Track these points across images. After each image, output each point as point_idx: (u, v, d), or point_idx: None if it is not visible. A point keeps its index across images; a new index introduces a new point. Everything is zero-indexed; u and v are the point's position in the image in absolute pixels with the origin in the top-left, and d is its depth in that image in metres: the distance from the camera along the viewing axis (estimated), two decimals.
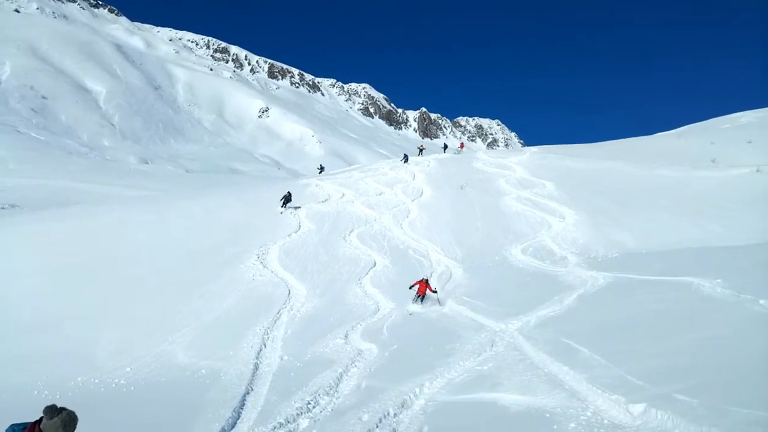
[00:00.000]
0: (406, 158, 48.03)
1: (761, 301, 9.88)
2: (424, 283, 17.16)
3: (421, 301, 16.98)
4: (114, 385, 12.52)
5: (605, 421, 7.11)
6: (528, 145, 71.56)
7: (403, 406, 9.22)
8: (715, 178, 28.94)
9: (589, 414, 7.43)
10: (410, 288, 17.64)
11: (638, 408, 7.00)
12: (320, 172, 55.82)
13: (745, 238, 19.87)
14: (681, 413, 6.42)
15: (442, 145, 60.85)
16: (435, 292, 17.20)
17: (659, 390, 7.26)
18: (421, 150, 53.28)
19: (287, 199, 30.39)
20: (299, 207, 30.84)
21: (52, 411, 4.38)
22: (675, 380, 7.47)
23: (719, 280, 12.08)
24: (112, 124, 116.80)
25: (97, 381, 12.84)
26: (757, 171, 27.93)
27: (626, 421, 6.93)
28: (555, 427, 7.29)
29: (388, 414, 8.96)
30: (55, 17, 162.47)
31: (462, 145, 64.47)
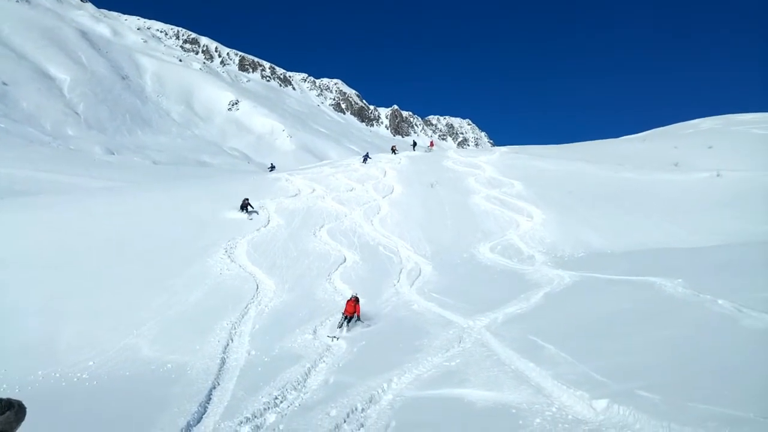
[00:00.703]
0: (366, 158, 47.88)
1: (720, 301, 10.19)
2: (353, 302, 15.26)
3: (348, 323, 14.88)
4: (76, 380, 12.25)
5: (569, 417, 7.26)
6: (497, 145, 72.30)
7: (371, 402, 9.25)
8: (678, 182, 29.73)
9: (554, 409, 7.57)
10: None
11: (601, 404, 7.16)
12: (270, 171, 55.67)
13: (705, 240, 20.49)
14: (642, 409, 6.59)
15: (411, 143, 60.91)
16: (359, 319, 15.10)
17: (622, 386, 7.44)
18: (394, 150, 53.01)
19: (244, 206, 28.63)
20: (256, 212, 29.17)
21: (1, 406, 4.25)
22: (637, 377, 7.66)
23: (680, 280, 12.43)
24: (77, 113, 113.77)
25: (58, 375, 12.55)
26: (718, 175, 28.79)
27: (590, 417, 7.08)
28: (521, 422, 7.41)
29: (356, 409, 8.97)
30: (17, 1, 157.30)
31: (432, 144, 64.70)
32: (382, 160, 46.69)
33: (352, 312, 15.21)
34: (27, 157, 63.17)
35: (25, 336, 14.81)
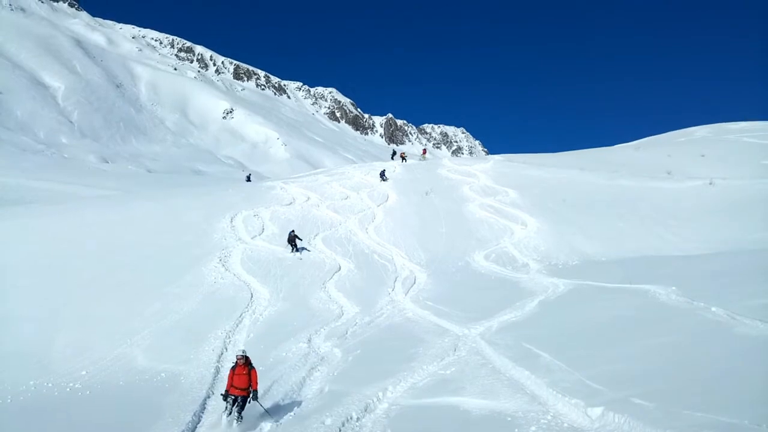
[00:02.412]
0: (383, 175, 40.20)
1: (713, 308, 10.25)
2: (241, 369, 9.77)
3: (238, 409, 9.70)
4: (69, 389, 12.16)
5: (565, 425, 7.26)
6: (492, 154, 72.60)
7: (366, 410, 9.22)
8: (671, 190, 29.90)
9: (549, 417, 7.58)
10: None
11: (596, 411, 7.17)
12: (247, 181, 54.80)
13: (698, 248, 20.60)
14: (637, 416, 6.61)
15: (391, 153, 59.64)
16: (256, 398, 9.82)
17: (617, 394, 7.45)
18: (403, 158, 51.53)
19: (292, 239, 23.78)
20: (306, 249, 24.39)
21: None
22: (632, 385, 7.68)
23: (674, 288, 12.49)
24: (71, 122, 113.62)
25: (50, 385, 12.46)
26: (710, 183, 28.98)
27: (585, 425, 7.09)
28: (516, 430, 7.41)
29: (351, 418, 8.94)
30: (11, 9, 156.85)
31: (425, 152, 64.24)
32: (377, 168, 46.70)
33: (242, 387, 9.61)
34: (20, 165, 62.99)
35: (18, 345, 14.70)
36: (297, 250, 23.78)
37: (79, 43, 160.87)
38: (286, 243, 24.07)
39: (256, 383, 9.73)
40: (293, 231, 24.32)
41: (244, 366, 9.76)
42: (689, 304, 11.16)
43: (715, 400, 6.58)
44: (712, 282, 13.39)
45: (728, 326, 9.24)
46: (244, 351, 10.05)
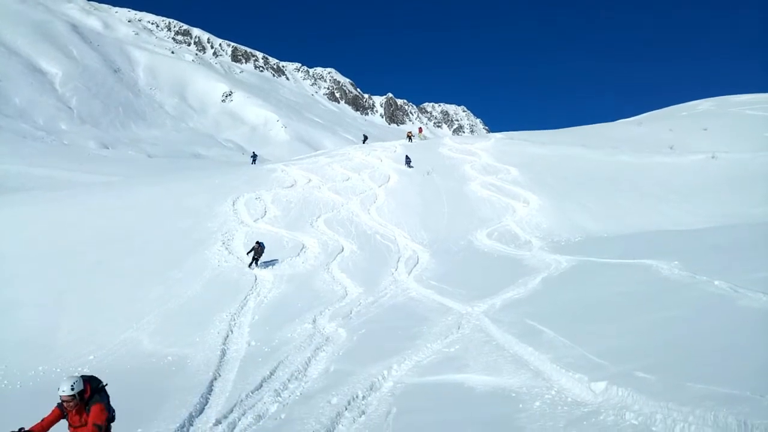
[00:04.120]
0: (408, 161, 37.22)
1: (716, 282, 10.25)
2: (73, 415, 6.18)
3: None
4: (77, 374, 12.27)
5: (569, 399, 7.32)
6: (493, 132, 72.32)
7: (371, 389, 9.30)
8: (673, 164, 29.80)
9: (553, 393, 7.64)
10: None
11: (600, 386, 7.22)
12: (253, 162, 51.90)
13: (700, 222, 20.58)
14: (640, 390, 6.65)
15: (362, 137, 57.40)
16: None
17: (620, 368, 7.50)
18: (409, 137, 50.64)
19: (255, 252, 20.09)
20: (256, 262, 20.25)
21: None
22: (634, 359, 7.72)
23: (676, 263, 12.50)
24: (70, 108, 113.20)
25: (58, 370, 12.59)
26: (713, 157, 28.86)
27: (589, 399, 7.14)
28: (520, 406, 7.47)
29: (357, 396, 9.03)
30: None
31: (420, 130, 60.79)
32: (377, 148, 46.55)
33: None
34: (20, 152, 62.91)
35: (25, 331, 14.84)
36: (257, 266, 19.76)
37: (75, 28, 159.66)
38: (247, 254, 20.32)
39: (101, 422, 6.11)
40: (259, 242, 20.26)
41: (77, 408, 6.14)
42: (692, 278, 11.17)
43: (717, 372, 6.61)
44: (715, 256, 13.40)
45: (731, 299, 9.25)
46: (71, 386, 6.05)
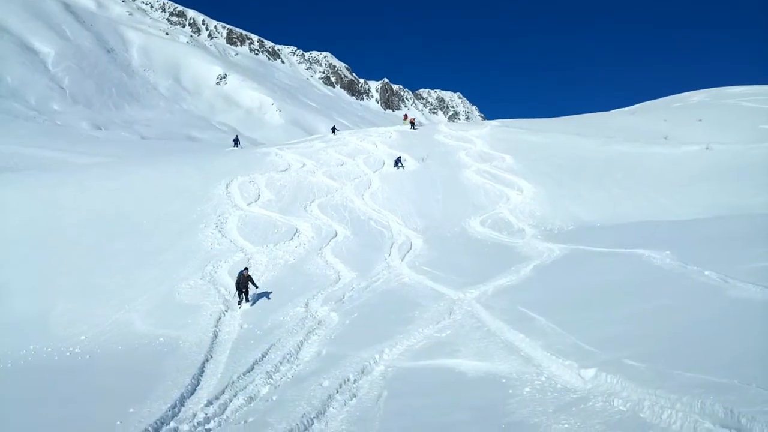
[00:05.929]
0: (397, 163, 33.59)
1: (706, 272, 10.35)
2: None
3: None
4: (69, 354, 12.29)
5: (558, 386, 7.40)
6: (488, 119, 72.18)
7: (363, 372, 9.36)
8: (667, 155, 29.84)
9: (543, 379, 7.72)
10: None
11: (589, 373, 7.29)
12: (235, 146, 49.80)
13: (693, 213, 20.68)
14: (629, 377, 6.73)
15: (331, 128, 54.16)
16: None
17: (609, 356, 7.57)
18: (413, 123, 49.86)
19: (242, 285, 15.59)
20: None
21: None
22: (624, 346, 7.80)
23: (668, 253, 12.58)
24: (62, 88, 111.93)
25: (50, 350, 12.59)
26: (707, 148, 28.91)
27: (578, 385, 7.22)
28: (510, 391, 7.55)
29: (348, 380, 9.08)
30: None
31: (405, 117, 54.74)
32: (372, 134, 46.39)
33: None
34: (13, 132, 62.29)
35: (17, 311, 14.83)
36: (247, 301, 15.50)
37: (68, 6, 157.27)
38: (235, 289, 15.67)
39: None
40: (246, 271, 15.76)
41: None
42: (683, 267, 11.26)
43: (706, 360, 6.69)
44: (706, 246, 13.50)
45: (721, 289, 9.34)
46: None
